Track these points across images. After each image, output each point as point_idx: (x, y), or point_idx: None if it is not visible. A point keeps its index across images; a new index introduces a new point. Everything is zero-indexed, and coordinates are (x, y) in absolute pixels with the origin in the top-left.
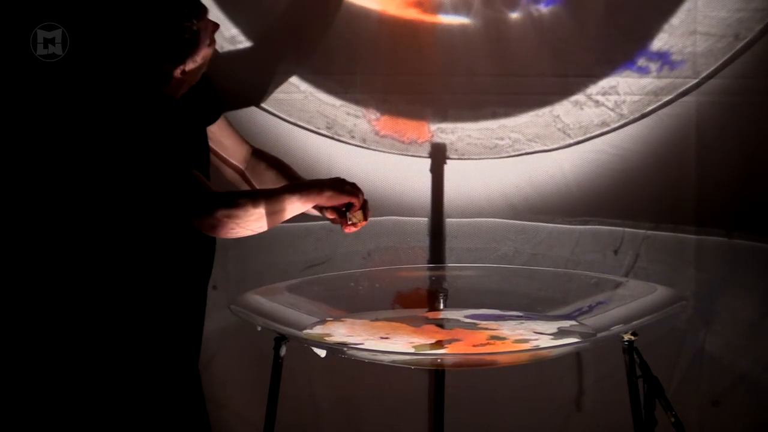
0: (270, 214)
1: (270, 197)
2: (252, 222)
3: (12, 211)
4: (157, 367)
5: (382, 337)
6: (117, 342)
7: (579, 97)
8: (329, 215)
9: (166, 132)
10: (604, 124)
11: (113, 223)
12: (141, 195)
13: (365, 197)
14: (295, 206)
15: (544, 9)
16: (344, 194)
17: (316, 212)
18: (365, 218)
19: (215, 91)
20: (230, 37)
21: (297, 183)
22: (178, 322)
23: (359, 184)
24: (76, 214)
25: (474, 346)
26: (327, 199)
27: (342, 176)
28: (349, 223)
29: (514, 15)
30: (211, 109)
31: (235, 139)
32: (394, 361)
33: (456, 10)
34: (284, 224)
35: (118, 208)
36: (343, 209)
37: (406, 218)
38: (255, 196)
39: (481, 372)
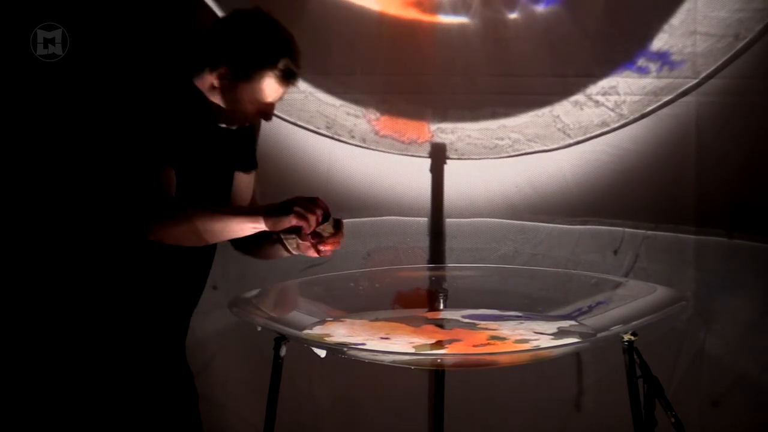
0: (205, 232)
1: (210, 215)
2: (183, 235)
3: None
4: (140, 362)
5: (382, 338)
6: (103, 339)
7: (579, 97)
8: (307, 244)
9: (149, 125)
10: (604, 124)
11: (105, 217)
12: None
13: (336, 215)
14: (236, 228)
15: (544, 9)
16: (291, 216)
17: (313, 253)
18: (337, 230)
19: (254, 150)
20: None
21: (244, 206)
22: (166, 316)
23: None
24: (70, 211)
25: (474, 346)
26: (272, 224)
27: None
28: (322, 241)
29: (514, 15)
30: (244, 159)
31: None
32: (394, 362)
33: (456, 10)
34: None
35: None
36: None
37: (406, 218)
38: (193, 210)
39: (481, 372)
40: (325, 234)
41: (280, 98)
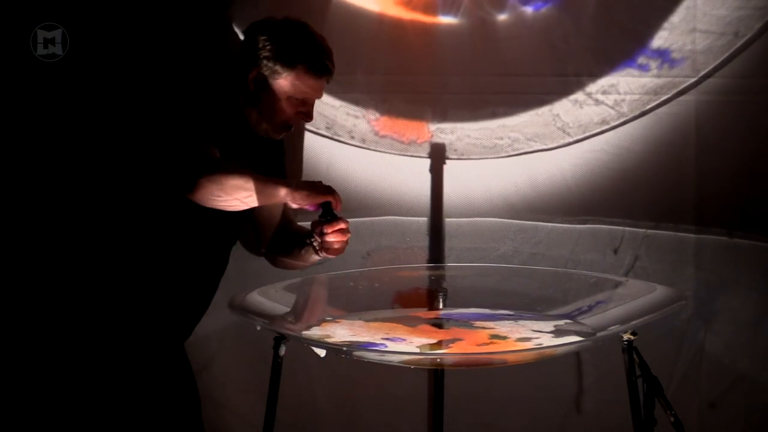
0: (246, 188)
1: (252, 174)
2: (227, 190)
3: (19, 200)
4: (143, 364)
5: (384, 338)
6: (107, 340)
7: (578, 95)
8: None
9: (196, 110)
10: (603, 122)
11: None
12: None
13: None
14: (272, 191)
15: (543, 8)
16: (321, 191)
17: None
18: (336, 220)
19: (282, 166)
20: None
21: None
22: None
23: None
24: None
25: (478, 345)
26: (304, 197)
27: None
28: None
29: (514, 14)
30: (272, 167)
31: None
32: (402, 362)
33: (455, 10)
34: None
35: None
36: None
37: (405, 218)
38: (236, 167)
39: (481, 372)
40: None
41: (318, 96)
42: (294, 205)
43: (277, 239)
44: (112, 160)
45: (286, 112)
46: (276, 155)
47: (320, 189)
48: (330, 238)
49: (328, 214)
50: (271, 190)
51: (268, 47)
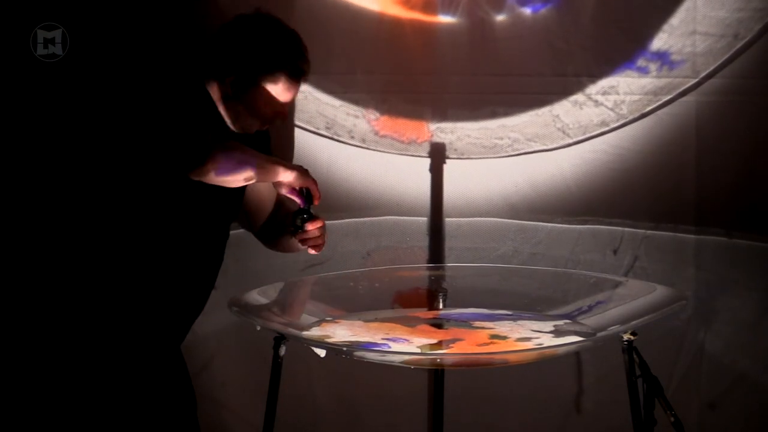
0: (243, 162)
1: (254, 151)
2: (235, 165)
3: (14, 197)
4: (139, 366)
5: (384, 338)
6: (103, 341)
7: (578, 96)
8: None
9: (178, 103)
10: (603, 123)
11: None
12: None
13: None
14: (269, 167)
15: (542, 9)
16: (308, 176)
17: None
18: (312, 219)
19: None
20: None
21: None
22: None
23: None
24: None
25: (478, 345)
26: (292, 174)
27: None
28: (300, 230)
29: (514, 14)
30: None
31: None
32: (402, 362)
33: (455, 10)
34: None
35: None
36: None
37: (405, 218)
38: (241, 144)
39: (481, 372)
40: (298, 222)
41: (294, 97)
42: (286, 183)
43: (267, 228)
44: (107, 157)
45: (265, 114)
46: (262, 145)
47: (309, 175)
48: (311, 234)
49: (306, 212)
50: (271, 165)
51: (246, 55)
